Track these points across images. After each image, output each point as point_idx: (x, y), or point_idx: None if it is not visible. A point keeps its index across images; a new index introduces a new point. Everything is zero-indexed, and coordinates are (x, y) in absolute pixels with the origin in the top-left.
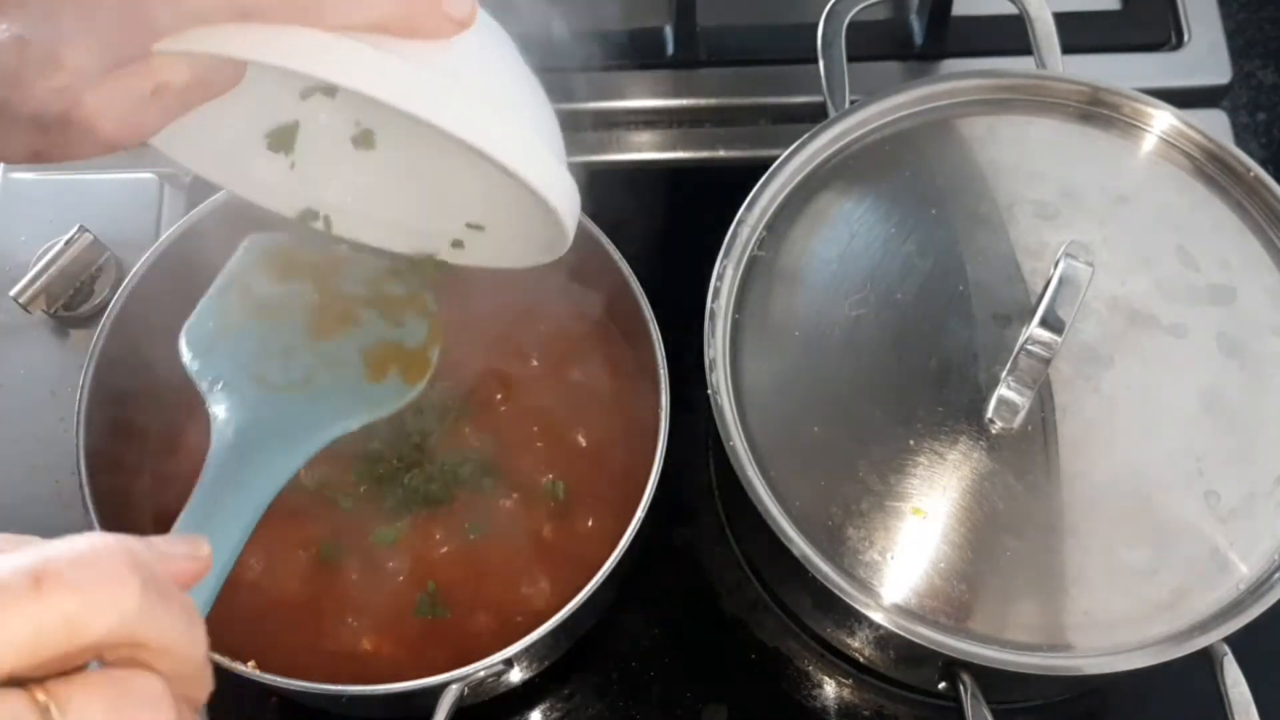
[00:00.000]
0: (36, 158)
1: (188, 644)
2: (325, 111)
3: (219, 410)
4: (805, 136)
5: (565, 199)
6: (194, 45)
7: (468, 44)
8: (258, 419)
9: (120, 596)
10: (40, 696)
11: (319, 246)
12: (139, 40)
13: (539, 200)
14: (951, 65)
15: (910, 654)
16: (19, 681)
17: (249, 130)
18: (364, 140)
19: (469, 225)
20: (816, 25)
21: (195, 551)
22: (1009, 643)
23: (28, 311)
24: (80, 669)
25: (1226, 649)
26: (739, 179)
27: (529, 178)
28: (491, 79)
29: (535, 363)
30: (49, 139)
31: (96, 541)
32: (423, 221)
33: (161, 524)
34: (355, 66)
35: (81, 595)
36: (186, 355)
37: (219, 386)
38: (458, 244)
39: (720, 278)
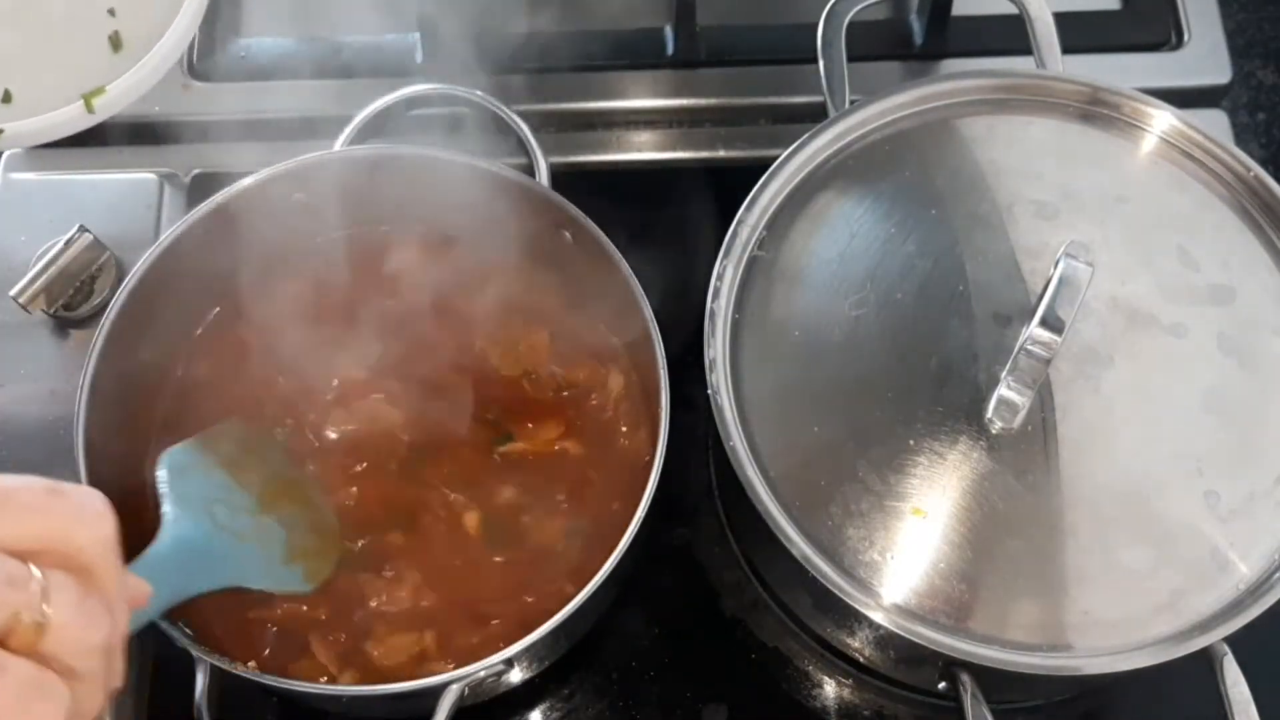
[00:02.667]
0: None
1: (113, 612)
2: None
3: (169, 512)
4: (805, 136)
5: None
6: None
7: None
8: (194, 540)
9: (101, 525)
10: (36, 571)
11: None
12: None
13: None
14: (951, 65)
15: (910, 654)
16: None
17: None
18: None
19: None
20: (816, 25)
21: (139, 587)
22: (1009, 643)
23: (28, 311)
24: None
25: (1226, 649)
26: (739, 179)
27: None
28: None
29: (536, 362)
30: None
31: (93, 491)
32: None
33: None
34: None
35: (81, 511)
36: (161, 472)
37: (177, 500)
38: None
39: (720, 278)
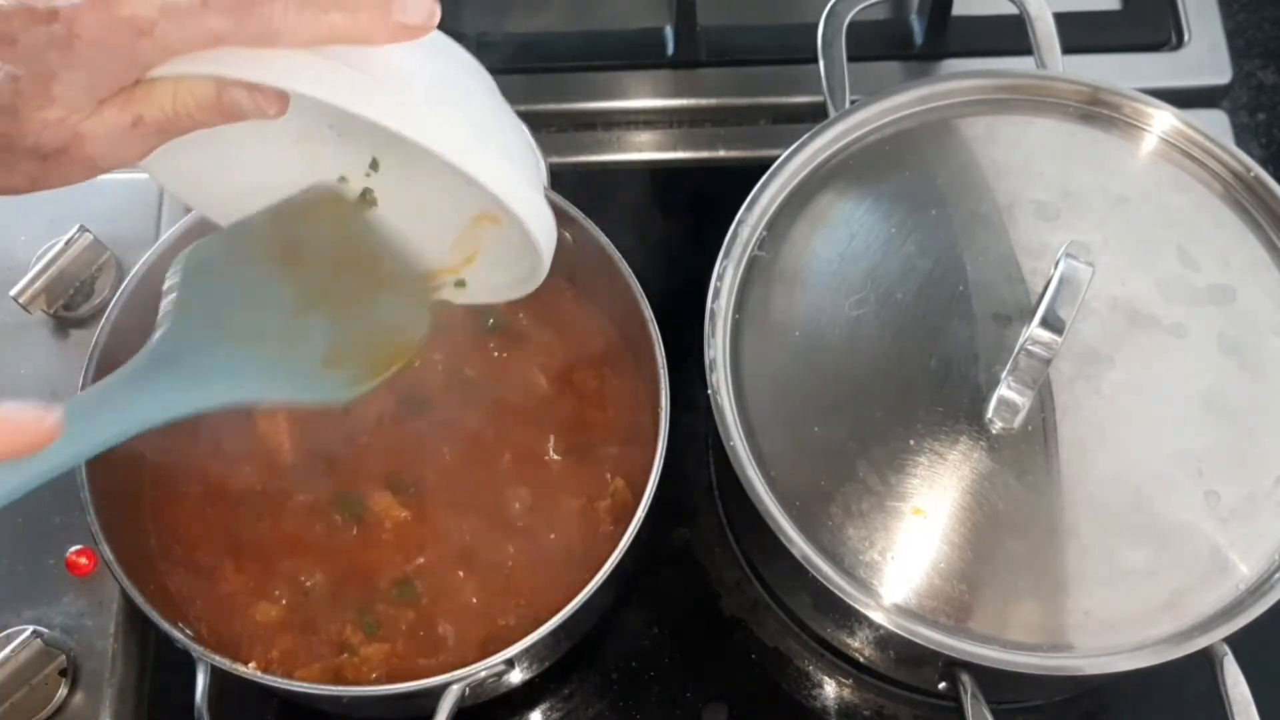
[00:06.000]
0: (35, 185)
1: None
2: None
3: (164, 326)
4: (805, 136)
5: (545, 230)
6: (172, 69)
7: (438, 67)
8: (192, 356)
9: None
10: None
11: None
12: (123, 74)
13: (519, 229)
14: (951, 65)
15: (910, 654)
16: None
17: (246, 175)
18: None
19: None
20: (816, 25)
21: (39, 420)
22: (1009, 643)
23: (28, 311)
24: None
25: (1226, 649)
26: (739, 179)
27: (513, 205)
28: (470, 103)
29: (535, 362)
30: (46, 167)
31: None
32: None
33: (161, 523)
34: (321, 80)
35: None
36: (171, 270)
37: (182, 307)
38: (460, 283)
39: (720, 278)
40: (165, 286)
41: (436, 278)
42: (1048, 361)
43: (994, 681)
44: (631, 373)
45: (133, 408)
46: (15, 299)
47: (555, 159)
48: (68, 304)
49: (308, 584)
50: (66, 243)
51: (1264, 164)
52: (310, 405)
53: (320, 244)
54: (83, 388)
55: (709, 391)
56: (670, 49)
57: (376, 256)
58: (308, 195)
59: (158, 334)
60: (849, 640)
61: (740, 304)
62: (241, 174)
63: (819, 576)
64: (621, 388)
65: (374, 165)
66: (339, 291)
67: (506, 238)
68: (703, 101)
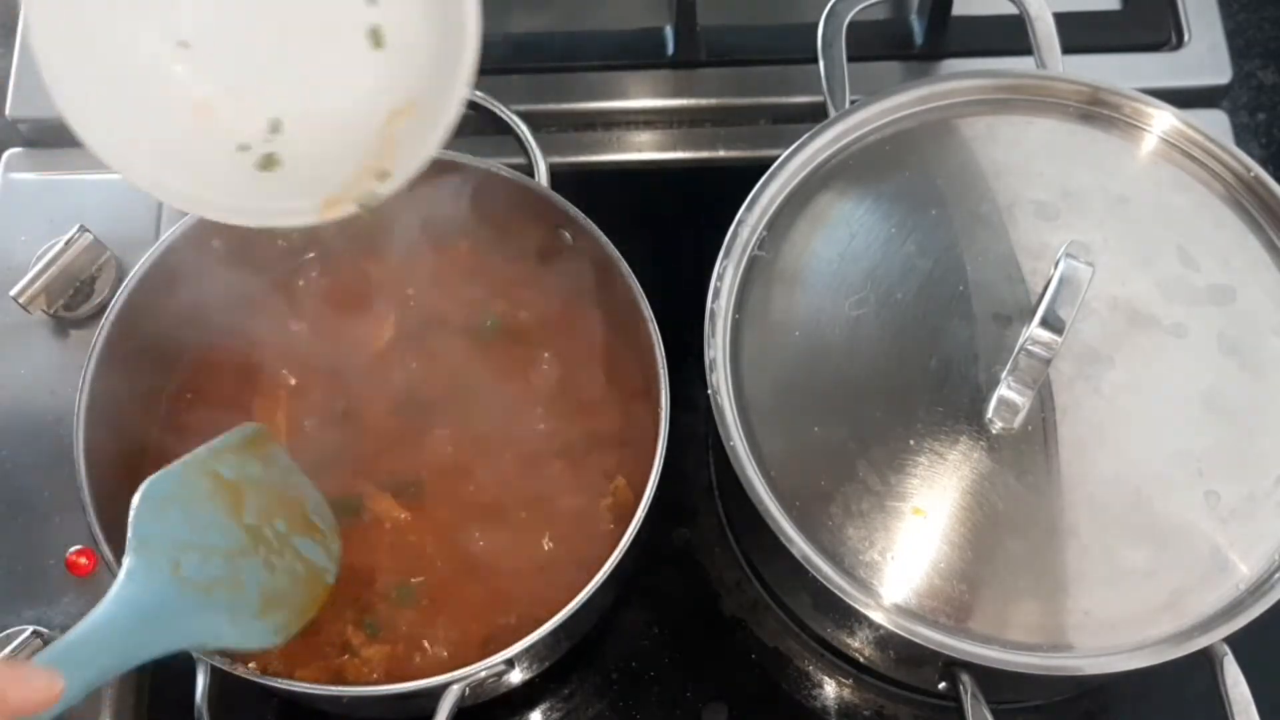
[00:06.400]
0: None
1: None
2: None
3: (125, 564)
4: (805, 136)
5: None
6: None
7: None
8: (145, 602)
9: None
10: None
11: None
12: None
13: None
14: (951, 65)
15: (910, 654)
16: None
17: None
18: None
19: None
20: (816, 25)
21: (50, 685)
22: (1009, 643)
23: (28, 311)
24: None
25: (1226, 649)
26: (739, 179)
27: None
28: None
29: (535, 362)
30: None
31: None
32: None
33: None
34: None
35: None
36: (136, 502)
37: (139, 546)
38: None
39: (720, 278)
40: (131, 518)
41: (356, 185)
42: (1048, 361)
43: (994, 681)
44: (632, 373)
45: (109, 657)
46: (15, 299)
47: (555, 159)
48: (68, 304)
49: None
50: (66, 243)
51: (1264, 164)
52: (250, 653)
53: (255, 484)
54: (82, 388)
55: (709, 391)
56: (670, 49)
57: (298, 498)
58: (243, 433)
59: (122, 576)
60: (849, 640)
61: (740, 304)
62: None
63: (819, 576)
64: (621, 388)
65: (275, 127)
66: (269, 536)
67: (423, 107)
68: (702, 101)
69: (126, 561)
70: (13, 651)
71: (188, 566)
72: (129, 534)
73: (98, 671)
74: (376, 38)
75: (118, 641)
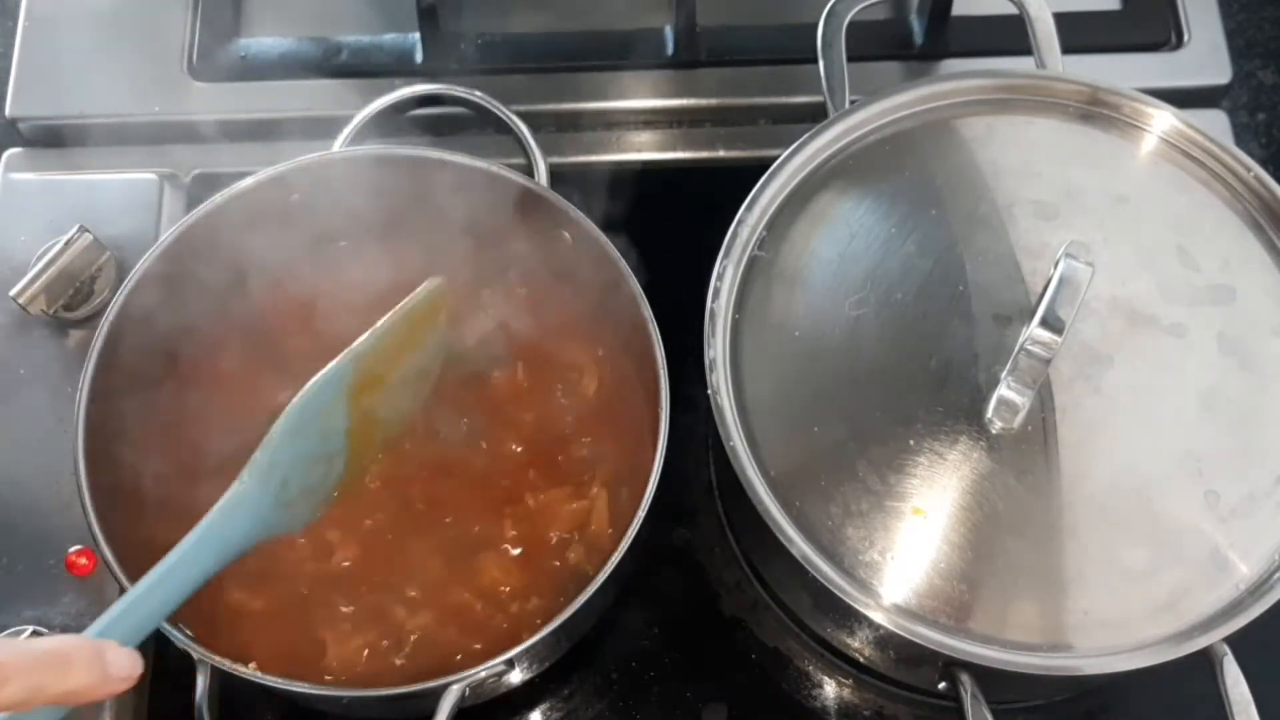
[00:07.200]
0: None
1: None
2: None
3: (243, 490)
4: (805, 136)
5: None
6: None
7: None
8: (253, 513)
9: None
10: None
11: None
12: None
13: None
14: (951, 65)
15: (910, 654)
16: None
17: None
18: None
19: None
20: (816, 25)
21: (133, 668)
22: (1009, 643)
23: (28, 311)
24: None
25: (1226, 649)
26: (739, 179)
27: None
28: None
29: (534, 362)
30: None
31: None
32: None
33: (158, 522)
34: None
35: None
36: (280, 425)
37: (264, 464)
38: None
39: (720, 278)
40: (270, 435)
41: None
42: (1048, 361)
43: (994, 681)
44: (631, 373)
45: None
46: (15, 299)
47: (555, 159)
48: (67, 304)
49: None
50: (66, 243)
51: (1264, 164)
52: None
53: (395, 377)
54: (82, 388)
55: (709, 391)
56: (670, 49)
57: (427, 372)
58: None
59: (230, 497)
60: (849, 640)
61: (740, 304)
62: None
63: (819, 576)
64: (621, 388)
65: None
66: (364, 437)
67: None
68: (702, 101)
69: (243, 483)
70: None
71: (293, 480)
72: (257, 454)
73: (202, 572)
74: None
75: (199, 563)
